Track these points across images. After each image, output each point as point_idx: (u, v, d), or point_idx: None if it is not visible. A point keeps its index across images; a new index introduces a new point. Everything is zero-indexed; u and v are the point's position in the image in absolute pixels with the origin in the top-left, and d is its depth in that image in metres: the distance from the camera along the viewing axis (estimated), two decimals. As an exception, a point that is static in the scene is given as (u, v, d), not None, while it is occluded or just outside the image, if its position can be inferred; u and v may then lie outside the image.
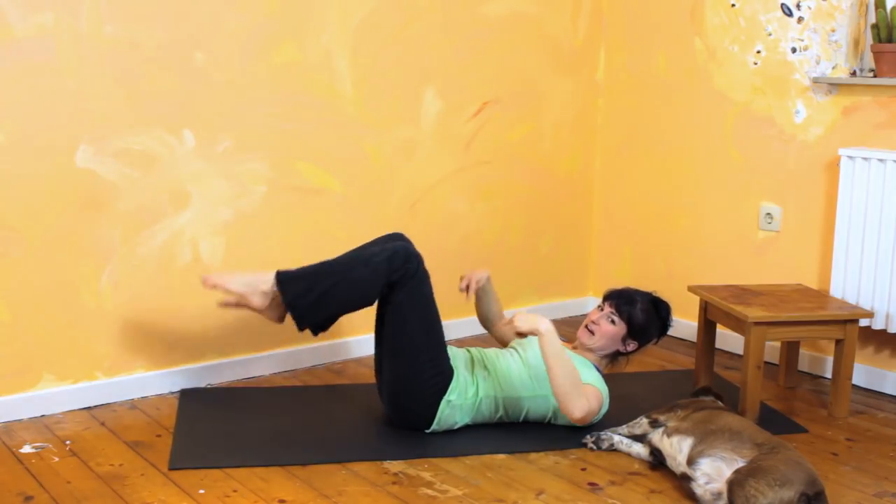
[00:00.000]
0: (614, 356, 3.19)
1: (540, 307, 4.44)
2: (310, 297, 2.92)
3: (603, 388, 3.03)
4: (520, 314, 2.91)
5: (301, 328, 2.96)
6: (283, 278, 2.95)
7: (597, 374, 3.07)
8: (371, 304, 2.99)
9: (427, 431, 3.04)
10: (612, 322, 3.13)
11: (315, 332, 2.99)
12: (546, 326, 2.88)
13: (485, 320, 3.40)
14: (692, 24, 4.07)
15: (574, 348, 3.20)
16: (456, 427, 3.07)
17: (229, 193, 3.48)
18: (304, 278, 2.94)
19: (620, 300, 3.15)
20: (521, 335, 2.91)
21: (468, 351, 3.14)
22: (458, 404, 3.01)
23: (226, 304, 3.03)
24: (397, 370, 3.00)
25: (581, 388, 2.91)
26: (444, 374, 3.00)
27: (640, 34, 4.29)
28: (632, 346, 3.16)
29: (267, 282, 2.95)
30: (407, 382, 2.99)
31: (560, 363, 2.86)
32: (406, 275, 2.93)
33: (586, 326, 3.17)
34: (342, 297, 2.93)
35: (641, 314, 3.13)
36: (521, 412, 3.09)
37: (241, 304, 2.99)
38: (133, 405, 3.30)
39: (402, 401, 3.02)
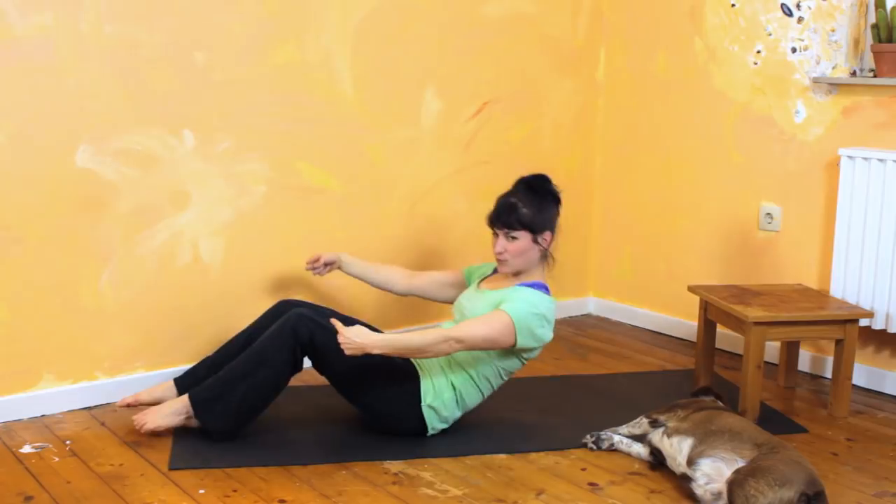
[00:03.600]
0: (542, 259, 3.08)
1: (540, 307, 4.44)
2: (227, 420, 2.92)
3: (515, 314, 2.87)
4: (343, 342, 2.81)
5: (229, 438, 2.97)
6: (198, 408, 2.94)
7: (523, 295, 2.95)
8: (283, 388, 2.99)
9: (428, 436, 3.04)
10: (514, 238, 3.01)
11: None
12: (370, 341, 2.81)
13: (385, 286, 3.37)
14: (692, 24, 4.07)
15: (498, 286, 3.08)
16: (455, 421, 3.05)
17: (229, 193, 3.48)
18: (214, 399, 2.92)
19: (502, 215, 3.01)
20: (354, 357, 2.84)
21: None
22: (438, 405, 2.98)
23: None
24: (361, 408, 3.01)
25: (433, 336, 2.84)
26: (402, 385, 2.96)
27: (640, 34, 4.29)
28: (546, 237, 3.05)
29: (184, 410, 2.96)
30: (377, 414, 3.00)
31: (407, 350, 2.85)
32: (304, 347, 2.89)
33: (497, 259, 3.05)
34: (257, 403, 2.95)
35: (528, 209, 3.00)
36: (493, 372, 3.02)
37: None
38: (133, 405, 3.30)
39: (388, 425, 3.02)
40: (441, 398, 2.98)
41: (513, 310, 2.89)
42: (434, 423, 3.01)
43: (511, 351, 2.96)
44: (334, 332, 2.84)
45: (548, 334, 2.97)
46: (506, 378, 3.07)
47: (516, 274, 3.07)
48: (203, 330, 3.48)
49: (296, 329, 2.88)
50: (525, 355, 3.02)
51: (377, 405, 2.98)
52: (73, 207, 3.16)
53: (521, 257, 3.02)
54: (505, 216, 3.01)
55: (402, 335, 2.90)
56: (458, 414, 3.05)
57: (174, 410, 2.96)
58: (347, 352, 2.81)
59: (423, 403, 2.96)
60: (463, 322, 2.94)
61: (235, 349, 3.10)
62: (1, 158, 3.02)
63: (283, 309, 3.11)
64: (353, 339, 2.80)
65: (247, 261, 3.55)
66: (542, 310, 2.96)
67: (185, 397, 2.97)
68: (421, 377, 2.98)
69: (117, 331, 3.31)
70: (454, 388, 3.00)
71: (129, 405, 3.10)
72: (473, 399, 3.05)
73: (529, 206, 3.01)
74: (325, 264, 3.33)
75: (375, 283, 3.39)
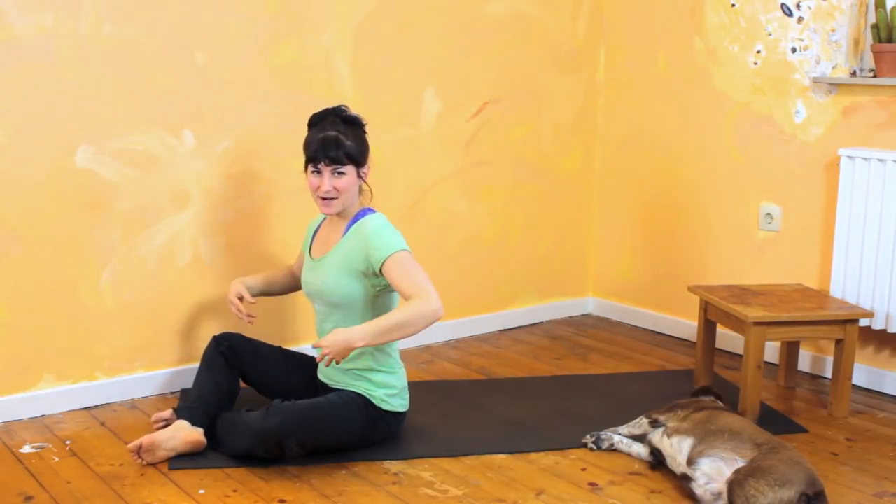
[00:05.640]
0: (359, 193, 2.97)
1: (540, 307, 4.44)
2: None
3: (395, 245, 2.79)
4: (327, 353, 2.69)
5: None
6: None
7: (370, 231, 2.84)
8: None
9: (404, 413, 3.00)
10: (341, 174, 2.85)
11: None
12: (352, 335, 2.68)
13: (285, 289, 3.25)
14: (692, 24, 4.07)
15: (328, 244, 2.97)
16: (403, 376, 2.98)
17: (229, 193, 3.48)
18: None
19: (330, 150, 2.82)
20: (337, 361, 2.73)
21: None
22: (385, 390, 2.92)
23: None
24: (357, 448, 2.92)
25: (410, 310, 2.68)
26: (362, 411, 2.88)
27: (640, 34, 4.29)
28: (366, 170, 2.94)
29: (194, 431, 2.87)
30: (369, 444, 2.93)
31: (395, 333, 2.70)
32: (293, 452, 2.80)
33: (323, 199, 2.87)
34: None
35: (351, 141, 2.85)
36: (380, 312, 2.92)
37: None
38: (133, 405, 3.30)
39: (382, 438, 2.97)
40: (381, 385, 2.91)
41: (389, 246, 2.79)
42: (403, 401, 2.97)
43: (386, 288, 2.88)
44: (306, 409, 2.78)
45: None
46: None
47: (340, 215, 2.93)
48: (203, 330, 3.48)
49: (277, 445, 2.76)
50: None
51: (363, 442, 2.92)
52: (73, 207, 3.16)
53: (347, 193, 2.87)
54: (333, 150, 2.82)
55: (381, 318, 2.74)
56: (398, 370, 2.96)
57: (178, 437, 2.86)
58: (335, 357, 2.69)
59: (382, 405, 2.91)
60: (410, 292, 2.72)
61: (212, 396, 2.98)
62: (1, 158, 3.02)
63: (219, 345, 3.03)
64: (334, 344, 2.69)
65: (247, 261, 3.55)
66: (388, 222, 2.89)
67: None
68: (360, 393, 2.90)
69: (117, 331, 3.31)
70: (371, 368, 2.91)
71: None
72: (390, 346, 2.93)
73: (351, 138, 2.86)
74: (240, 299, 3.07)
75: (277, 292, 3.25)
